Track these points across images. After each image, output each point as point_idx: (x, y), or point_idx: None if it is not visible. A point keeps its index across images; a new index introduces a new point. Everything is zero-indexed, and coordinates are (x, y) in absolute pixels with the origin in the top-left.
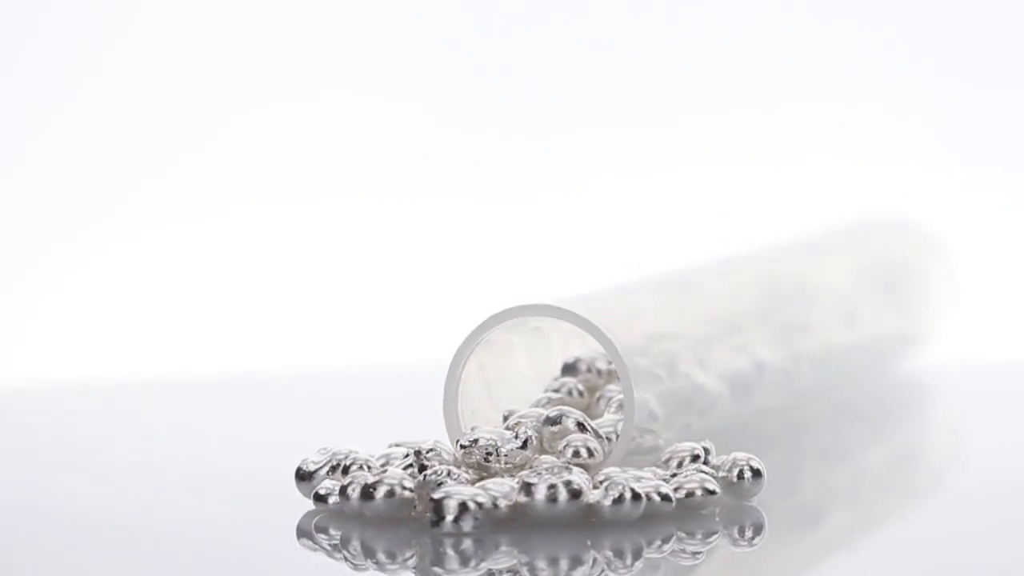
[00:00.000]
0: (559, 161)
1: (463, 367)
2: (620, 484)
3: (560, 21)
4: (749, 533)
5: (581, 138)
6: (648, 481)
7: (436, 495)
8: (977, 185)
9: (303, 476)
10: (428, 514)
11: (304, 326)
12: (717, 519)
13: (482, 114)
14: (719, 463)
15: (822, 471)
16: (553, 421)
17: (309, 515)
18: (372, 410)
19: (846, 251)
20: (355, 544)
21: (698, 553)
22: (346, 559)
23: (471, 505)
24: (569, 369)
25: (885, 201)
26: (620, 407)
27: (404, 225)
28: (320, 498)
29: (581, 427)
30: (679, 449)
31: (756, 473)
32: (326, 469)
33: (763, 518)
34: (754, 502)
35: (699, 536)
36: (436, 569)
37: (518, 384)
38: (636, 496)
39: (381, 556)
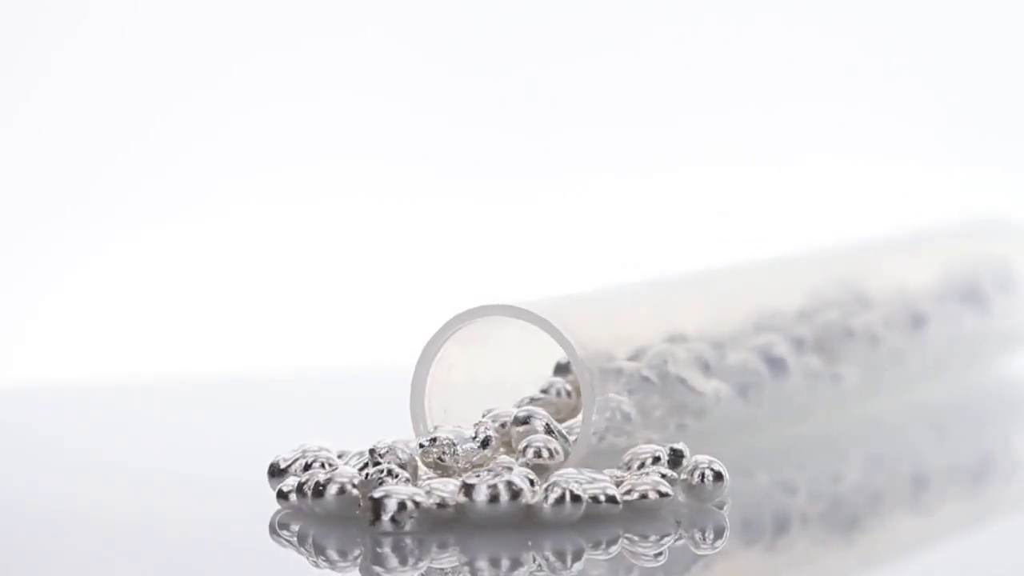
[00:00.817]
0: (558, 161)
1: (430, 367)
2: (560, 485)
3: (560, 21)
4: (708, 536)
5: (581, 138)
6: (598, 483)
7: (375, 494)
8: None
9: (274, 472)
10: (368, 513)
11: (307, 325)
12: (678, 522)
13: (481, 114)
14: (683, 466)
15: (811, 479)
16: (521, 421)
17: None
18: (373, 409)
19: (923, 252)
20: (309, 541)
21: (641, 555)
22: (305, 555)
23: (409, 504)
24: (561, 369)
25: (977, 200)
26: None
27: (404, 225)
28: (283, 495)
29: (548, 428)
30: (640, 451)
31: (717, 476)
32: (298, 466)
33: (724, 521)
34: (722, 508)
35: (651, 538)
36: (376, 568)
37: (513, 384)
38: (576, 498)
39: (331, 553)
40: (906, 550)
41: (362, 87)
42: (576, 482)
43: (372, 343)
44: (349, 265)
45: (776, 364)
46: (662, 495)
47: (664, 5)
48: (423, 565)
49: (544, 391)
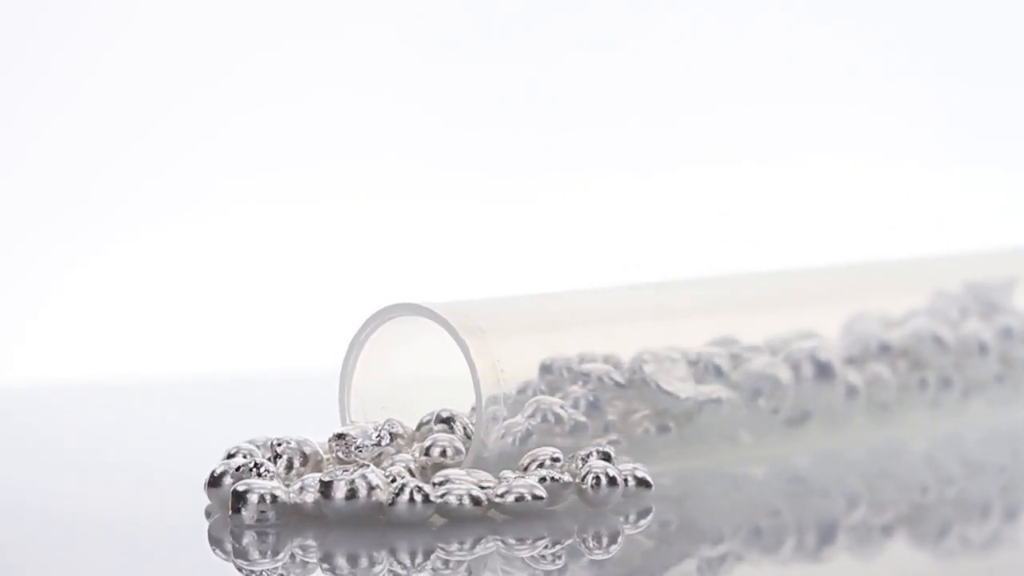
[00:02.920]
0: (559, 160)
1: (356, 363)
2: (409, 484)
3: (559, 21)
4: (596, 540)
5: (581, 138)
6: (468, 483)
7: (237, 487)
8: None
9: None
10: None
11: (307, 325)
12: (576, 527)
13: (481, 114)
14: (574, 470)
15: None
16: (443, 420)
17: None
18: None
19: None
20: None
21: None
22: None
23: (268, 499)
24: (546, 369)
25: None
26: (594, 406)
27: (403, 224)
28: (213, 483)
29: (466, 429)
30: (539, 453)
31: (611, 481)
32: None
33: (606, 529)
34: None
35: (511, 541)
36: (217, 557)
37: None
38: (427, 499)
39: (199, 545)
40: None
41: (361, 87)
42: (458, 482)
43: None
44: (351, 264)
45: (823, 369)
46: (536, 498)
47: (664, 5)
48: (280, 558)
49: (520, 391)
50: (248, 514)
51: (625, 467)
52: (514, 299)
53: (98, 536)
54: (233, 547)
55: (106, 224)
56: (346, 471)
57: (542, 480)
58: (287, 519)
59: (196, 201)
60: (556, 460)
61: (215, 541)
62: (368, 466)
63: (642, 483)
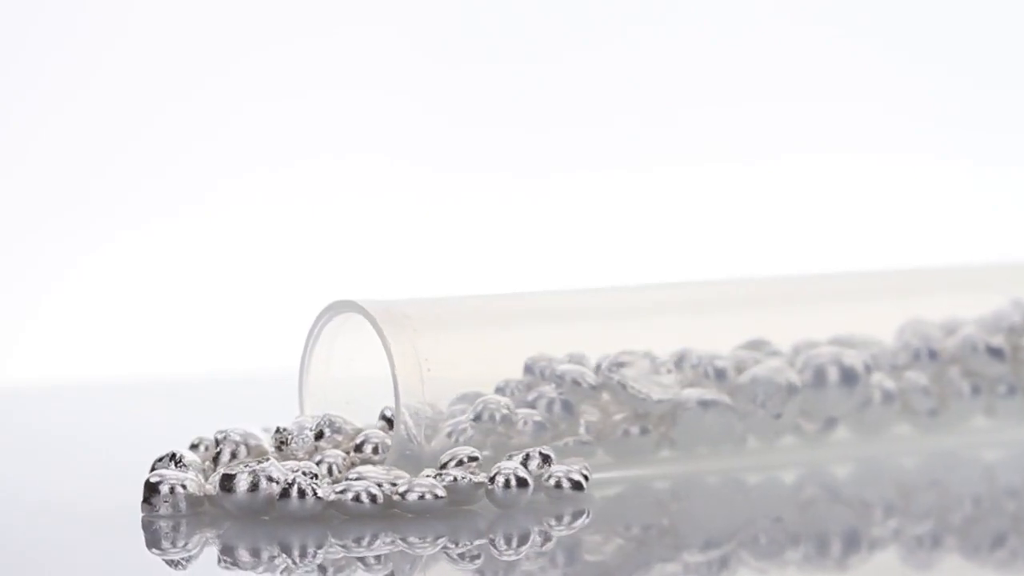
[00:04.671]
0: (557, 160)
1: (311, 358)
2: (300, 481)
3: (558, 20)
4: (508, 541)
5: (580, 137)
6: (372, 481)
7: (150, 478)
8: None
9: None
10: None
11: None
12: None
13: (479, 113)
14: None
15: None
16: (384, 418)
17: None
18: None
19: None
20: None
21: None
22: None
23: (178, 490)
24: (529, 370)
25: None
26: (565, 408)
27: (404, 223)
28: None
29: (407, 427)
30: (458, 451)
31: (521, 483)
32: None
33: (519, 531)
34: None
35: (412, 539)
36: (152, 550)
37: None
38: (316, 496)
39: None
40: None
41: (360, 86)
42: (355, 479)
43: None
44: (351, 263)
45: (848, 375)
46: (436, 497)
47: (663, 5)
48: (179, 547)
49: (499, 388)
50: (158, 504)
51: (559, 469)
52: (464, 298)
53: (97, 536)
54: (145, 537)
55: (106, 224)
56: (247, 466)
57: (448, 478)
58: (197, 510)
59: (196, 200)
60: (474, 459)
61: (132, 532)
62: (268, 459)
63: (577, 486)
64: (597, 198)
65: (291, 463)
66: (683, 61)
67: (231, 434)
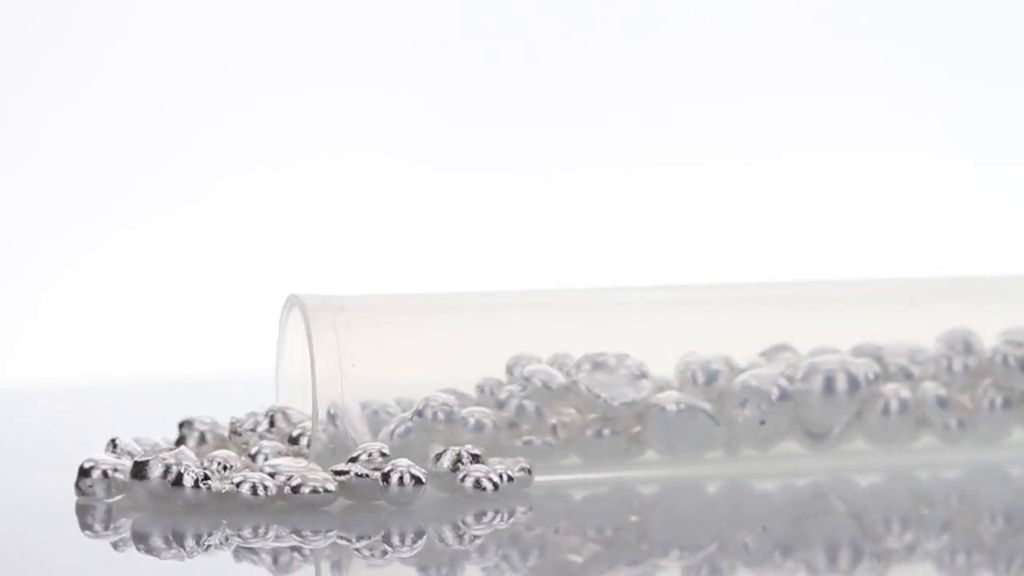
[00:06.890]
0: (557, 160)
1: (282, 355)
2: (192, 469)
3: (558, 20)
4: (401, 538)
5: (580, 137)
6: (260, 474)
7: (84, 463)
8: None
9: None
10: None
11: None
12: (387, 526)
13: (479, 113)
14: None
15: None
16: (331, 416)
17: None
18: None
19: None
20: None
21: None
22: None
23: (109, 475)
24: (508, 369)
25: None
26: (526, 410)
27: (404, 223)
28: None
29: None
30: (370, 447)
31: (417, 481)
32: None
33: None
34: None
35: (306, 532)
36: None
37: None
38: (195, 483)
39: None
40: None
41: (360, 86)
42: (270, 472)
43: None
44: (350, 263)
45: (852, 382)
46: (326, 491)
47: (663, 4)
48: (108, 530)
49: (480, 387)
50: (91, 488)
51: (479, 468)
52: (432, 295)
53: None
54: (79, 522)
55: (106, 224)
56: (161, 454)
57: (343, 473)
58: (126, 494)
59: (196, 200)
60: (384, 455)
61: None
62: (181, 452)
63: (418, 482)
64: (597, 198)
65: (221, 452)
66: (683, 61)
67: (200, 422)
